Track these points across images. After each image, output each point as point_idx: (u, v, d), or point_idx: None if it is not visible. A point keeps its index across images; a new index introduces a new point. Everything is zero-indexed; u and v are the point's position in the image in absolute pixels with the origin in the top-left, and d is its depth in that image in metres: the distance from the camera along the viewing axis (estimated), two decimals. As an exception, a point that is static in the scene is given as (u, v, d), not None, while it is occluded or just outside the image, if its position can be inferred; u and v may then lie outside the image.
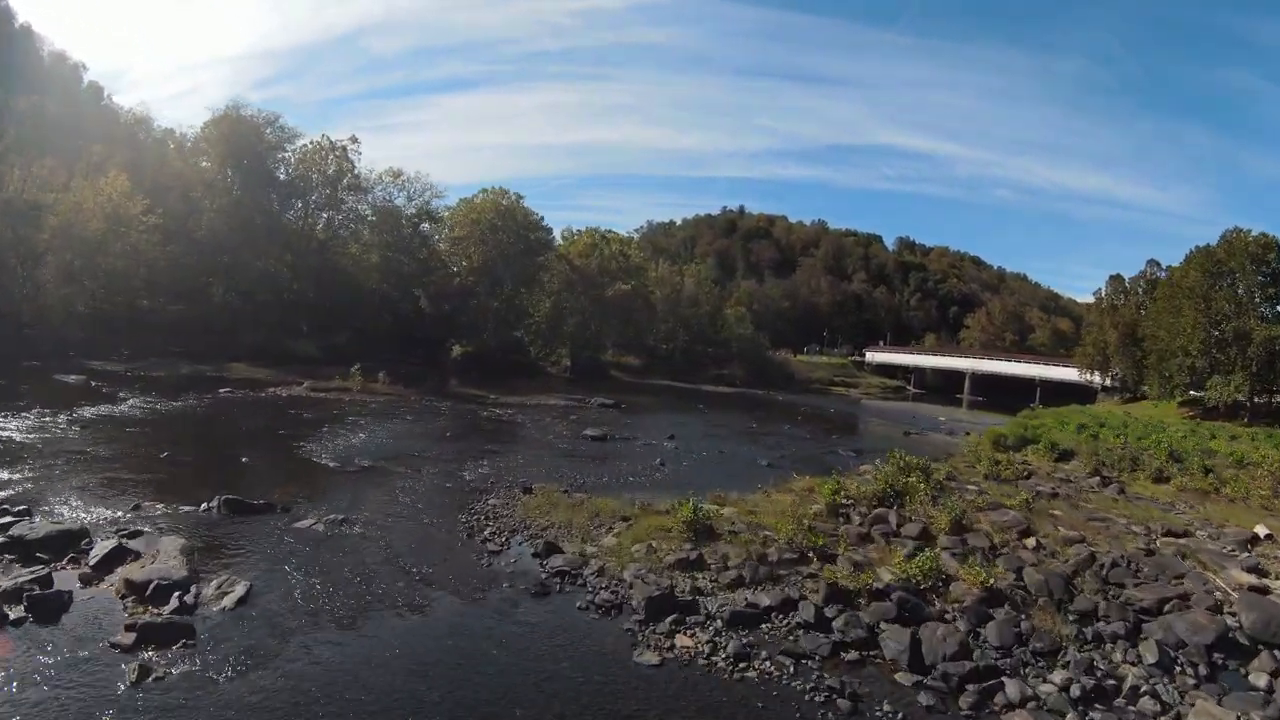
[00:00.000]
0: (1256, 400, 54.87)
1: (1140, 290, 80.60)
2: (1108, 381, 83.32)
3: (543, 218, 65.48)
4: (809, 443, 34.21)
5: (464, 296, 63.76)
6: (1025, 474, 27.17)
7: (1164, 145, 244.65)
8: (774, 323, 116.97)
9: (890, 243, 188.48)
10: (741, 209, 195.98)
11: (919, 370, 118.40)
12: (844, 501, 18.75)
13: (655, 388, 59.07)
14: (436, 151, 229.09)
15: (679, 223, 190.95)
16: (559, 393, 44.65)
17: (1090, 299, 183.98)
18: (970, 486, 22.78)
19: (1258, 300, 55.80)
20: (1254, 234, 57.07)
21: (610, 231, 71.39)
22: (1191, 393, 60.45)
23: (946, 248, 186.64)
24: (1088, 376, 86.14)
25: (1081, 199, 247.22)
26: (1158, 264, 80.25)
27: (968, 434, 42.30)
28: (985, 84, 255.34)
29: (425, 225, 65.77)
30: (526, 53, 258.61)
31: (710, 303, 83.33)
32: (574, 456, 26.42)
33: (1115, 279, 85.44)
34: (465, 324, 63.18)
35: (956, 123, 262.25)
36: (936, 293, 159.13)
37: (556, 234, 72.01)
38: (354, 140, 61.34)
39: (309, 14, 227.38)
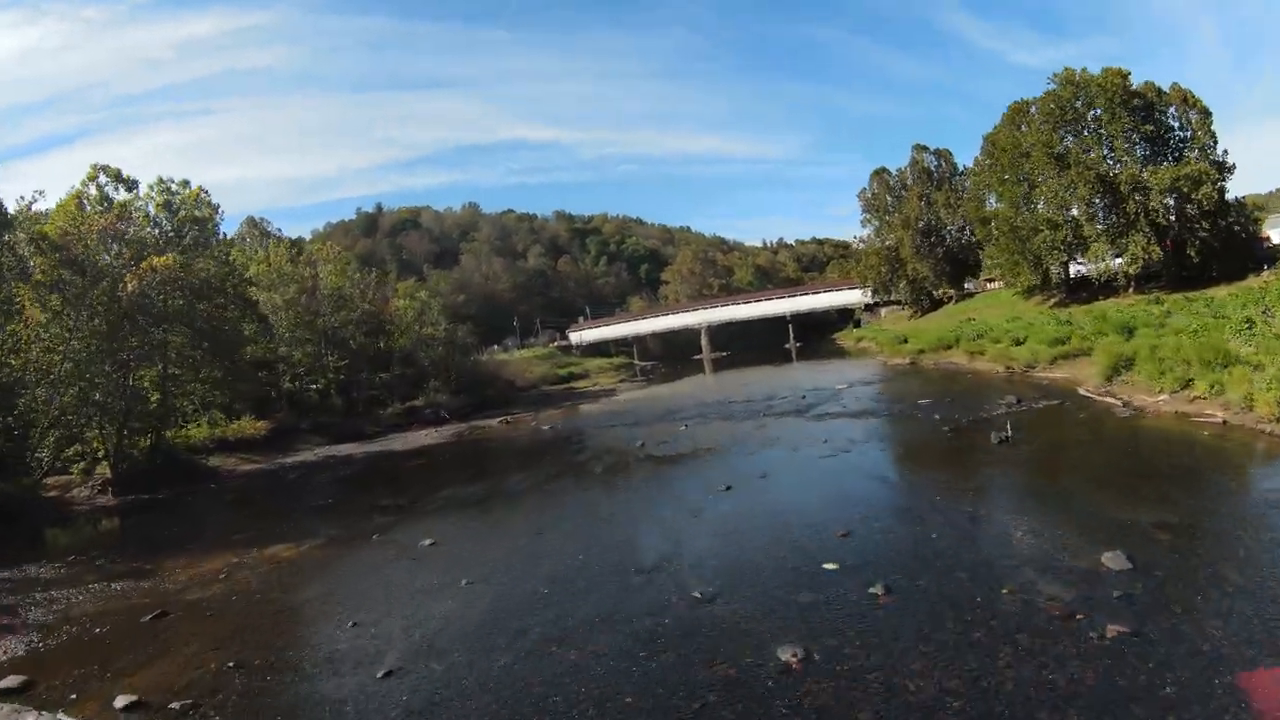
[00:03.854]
0: (1146, 267, 43.09)
1: (913, 180, 68.43)
2: (894, 296, 69.57)
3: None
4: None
5: None
6: None
7: (765, 101, 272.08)
8: (452, 322, 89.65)
9: (549, 218, 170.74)
10: (379, 206, 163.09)
11: (639, 339, 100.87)
12: None
13: (303, 489, 28.42)
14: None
15: (307, 237, 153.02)
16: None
17: (755, 243, 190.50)
18: None
19: (1134, 145, 43.99)
20: (1097, 72, 45.31)
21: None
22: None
23: (605, 213, 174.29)
24: (870, 296, 72.16)
25: (698, 160, 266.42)
26: (925, 148, 68.22)
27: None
28: (594, 69, 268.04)
29: None
30: (123, 96, 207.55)
31: (370, 298, 52.58)
32: None
33: (879, 174, 69.72)
34: None
35: (575, 109, 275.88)
36: (622, 254, 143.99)
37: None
38: None
39: None
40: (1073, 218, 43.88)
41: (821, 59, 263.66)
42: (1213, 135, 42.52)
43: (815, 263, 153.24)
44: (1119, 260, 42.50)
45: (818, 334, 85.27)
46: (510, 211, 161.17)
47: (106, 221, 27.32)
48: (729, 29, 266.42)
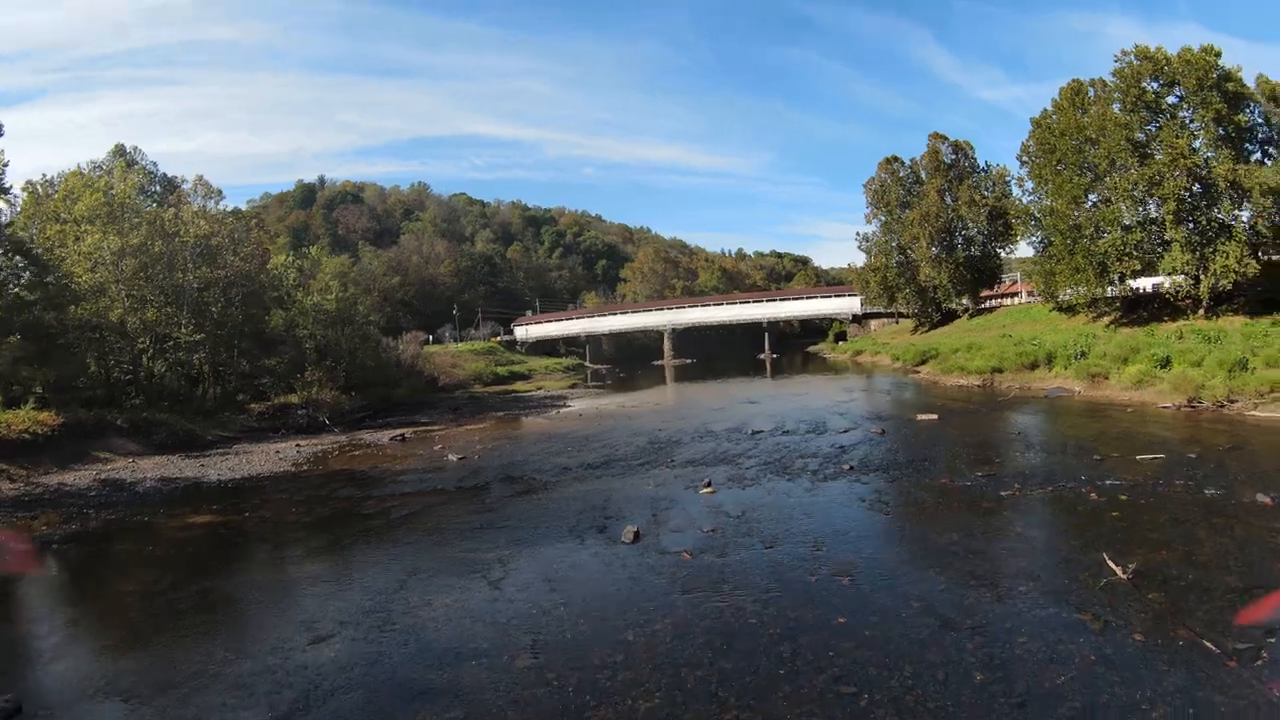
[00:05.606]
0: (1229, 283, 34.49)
1: (928, 173, 58.34)
2: (897, 306, 60.05)
3: None
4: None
5: None
6: None
7: (731, 116, 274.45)
8: (381, 307, 77.14)
9: (502, 204, 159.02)
10: (321, 179, 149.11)
11: (593, 339, 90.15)
12: None
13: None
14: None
15: (244, 207, 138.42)
16: None
17: (715, 251, 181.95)
18: None
19: (1224, 139, 35.18)
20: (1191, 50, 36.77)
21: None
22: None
23: (564, 207, 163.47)
24: (868, 304, 63.36)
25: (660, 169, 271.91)
26: (943, 137, 56.73)
27: None
28: (566, 72, 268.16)
29: None
30: (85, 58, 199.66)
31: (245, 253, 39.28)
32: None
33: (890, 163, 59.75)
34: None
35: (541, 109, 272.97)
36: (578, 247, 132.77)
37: None
38: None
39: None
40: (1147, 219, 35.11)
41: (791, 80, 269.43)
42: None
43: (775, 274, 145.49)
44: (1193, 275, 34.05)
45: (799, 340, 76.63)
46: (462, 194, 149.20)
47: None
48: (704, 45, 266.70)
